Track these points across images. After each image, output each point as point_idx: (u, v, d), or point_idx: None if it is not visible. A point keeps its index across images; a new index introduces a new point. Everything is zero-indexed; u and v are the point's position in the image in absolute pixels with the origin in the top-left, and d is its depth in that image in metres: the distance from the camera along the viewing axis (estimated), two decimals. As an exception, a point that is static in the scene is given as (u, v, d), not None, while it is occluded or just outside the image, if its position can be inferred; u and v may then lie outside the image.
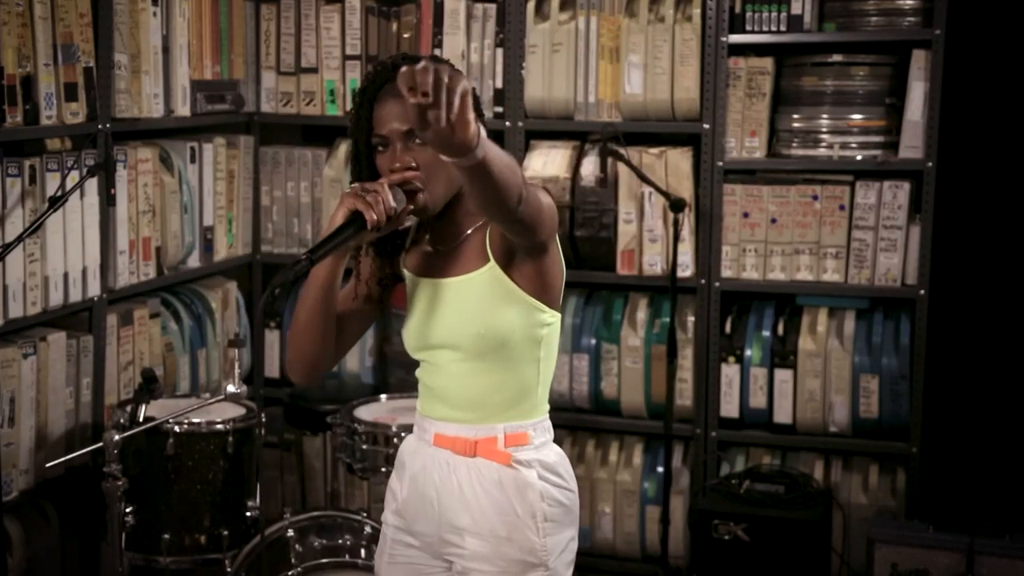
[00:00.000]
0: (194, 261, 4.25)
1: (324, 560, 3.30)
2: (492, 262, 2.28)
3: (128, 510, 3.28)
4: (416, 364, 2.44)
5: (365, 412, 3.67)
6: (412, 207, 2.24)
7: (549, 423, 2.41)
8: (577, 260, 4.33)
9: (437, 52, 4.35)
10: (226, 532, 3.41)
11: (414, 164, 2.22)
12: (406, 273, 2.43)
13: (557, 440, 4.71)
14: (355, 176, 2.32)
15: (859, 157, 4.10)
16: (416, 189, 2.23)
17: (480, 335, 2.27)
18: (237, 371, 3.05)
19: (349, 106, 4.41)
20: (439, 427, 2.35)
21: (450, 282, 2.31)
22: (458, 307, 2.29)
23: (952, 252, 4.12)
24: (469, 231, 2.34)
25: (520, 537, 2.28)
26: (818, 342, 4.14)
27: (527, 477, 2.30)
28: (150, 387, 3.38)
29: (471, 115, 1.83)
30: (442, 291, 2.32)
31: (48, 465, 3.23)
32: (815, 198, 4.14)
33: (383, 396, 3.87)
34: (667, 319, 4.14)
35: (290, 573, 3.17)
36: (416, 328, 2.36)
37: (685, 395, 4.25)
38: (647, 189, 4.13)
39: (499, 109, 4.36)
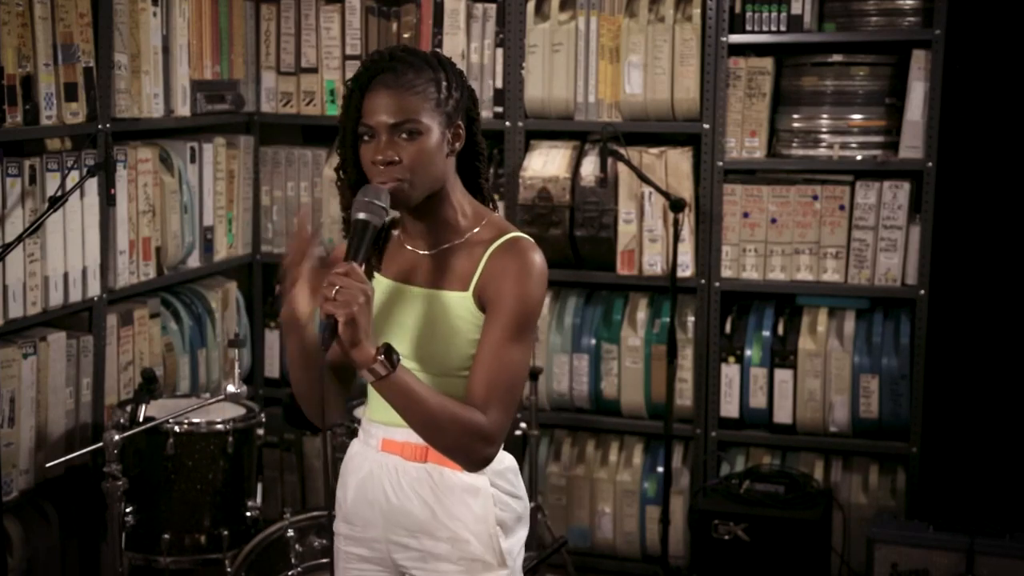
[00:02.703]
0: (194, 261, 4.24)
1: (324, 560, 3.29)
2: (470, 295, 2.21)
3: (128, 510, 3.28)
4: None
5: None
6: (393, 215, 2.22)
7: None
8: (577, 260, 4.33)
9: (437, 52, 4.34)
10: (226, 532, 3.41)
11: (396, 158, 2.17)
12: (377, 275, 2.33)
13: (557, 440, 4.72)
14: (341, 164, 2.29)
15: (859, 157, 4.10)
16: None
17: (444, 353, 2.21)
18: (237, 371, 3.05)
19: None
20: (387, 432, 2.27)
21: (422, 293, 2.24)
22: (427, 321, 2.22)
23: (952, 252, 4.12)
24: (454, 242, 2.26)
25: (479, 538, 2.24)
26: (818, 342, 4.14)
27: (477, 483, 2.24)
28: (150, 387, 3.38)
29: (359, 338, 2.01)
30: (411, 299, 2.25)
31: (48, 465, 3.23)
32: (815, 198, 4.14)
33: (383, 396, 3.86)
34: (667, 319, 4.14)
35: (290, 573, 3.17)
36: (375, 331, 2.21)
37: (685, 395, 4.25)
38: (647, 189, 4.13)
39: (499, 109, 4.36)
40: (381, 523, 2.29)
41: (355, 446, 2.39)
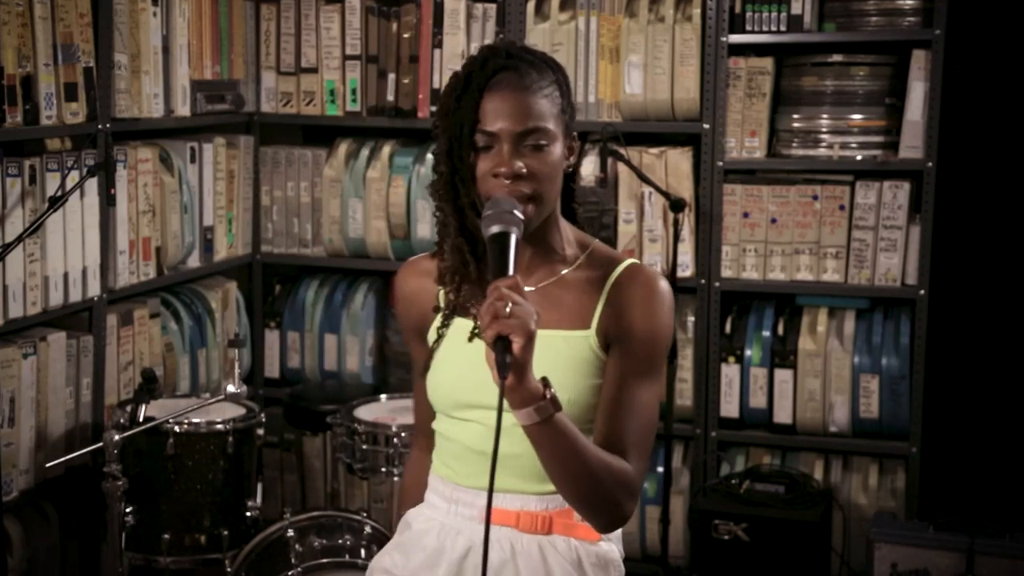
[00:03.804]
0: (194, 261, 4.24)
1: (324, 560, 3.29)
2: (593, 332, 1.96)
3: (128, 510, 3.28)
4: None
5: (365, 412, 3.67)
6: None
7: None
8: (577, 260, 4.32)
9: (437, 52, 4.35)
10: (226, 532, 3.41)
11: (524, 170, 1.88)
12: (460, 319, 2.00)
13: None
14: (447, 180, 1.94)
15: (859, 157, 4.10)
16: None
17: (570, 401, 1.88)
18: (237, 371, 3.05)
19: (349, 106, 4.45)
20: (497, 500, 1.90)
21: (539, 333, 1.80)
22: (545, 367, 1.82)
23: (952, 252, 4.12)
24: (562, 273, 1.99)
25: None
26: (818, 342, 4.14)
27: (609, 553, 1.98)
28: (150, 387, 3.38)
29: (530, 367, 1.71)
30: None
31: (48, 465, 3.23)
32: (815, 198, 4.14)
33: (383, 396, 3.87)
34: (667, 319, 4.14)
35: (290, 573, 3.16)
36: (473, 380, 1.90)
37: (685, 395, 4.25)
38: (647, 189, 4.13)
39: (499, 109, 4.35)
40: None
41: (434, 516, 2.04)
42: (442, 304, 2.03)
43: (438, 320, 2.04)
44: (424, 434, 2.15)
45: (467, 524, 1.98)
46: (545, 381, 1.77)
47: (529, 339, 1.69)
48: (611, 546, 2.00)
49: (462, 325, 1.99)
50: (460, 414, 1.99)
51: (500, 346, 1.68)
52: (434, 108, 4.39)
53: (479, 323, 1.73)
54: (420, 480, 2.13)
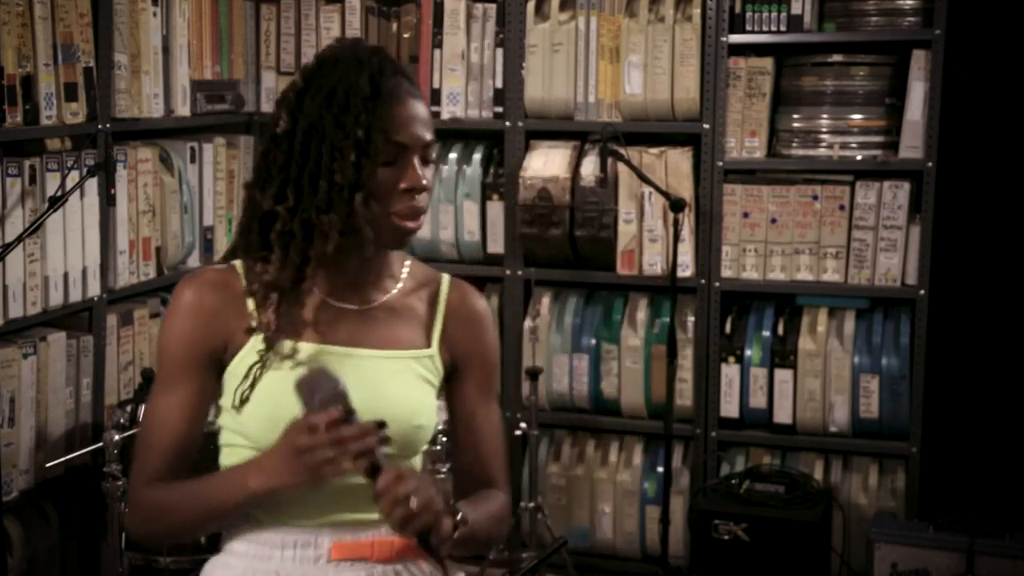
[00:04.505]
0: (194, 261, 4.24)
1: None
2: (436, 351, 1.86)
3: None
4: None
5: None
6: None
7: None
8: (577, 260, 4.33)
9: (437, 52, 4.35)
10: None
11: (430, 187, 1.80)
12: (289, 341, 1.77)
13: (557, 440, 4.72)
14: (341, 192, 1.72)
15: (859, 157, 4.10)
16: None
17: (422, 427, 1.83)
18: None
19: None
20: (340, 535, 1.78)
21: (374, 356, 1.78)
22: (386, 392, 1.78)
23: (952, 252, 4.12)
24: (391, 291, 1.86)
25: None
26: (818, 342, 4.14)
27: (455, 574, 1.85)
28: (150, 387, 3.37)
29: (443, 528, 1.65)
30: (359, 367, 1.77)
31: (48, 465, 3.24)
32: (815, 198, 4.14)
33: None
34: (667, 319, 4.14)
35: (290, 573, 3.16)
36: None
37: (685, 395, 4.25)
38: (647, 189, 4.13)
39: (499, 109, 4.35)
40: None
41: (237, 569, 1.80)
42: (255, 324, 1.78)
43: (257, 343, 1.78)
44: (176, 458, 1.81)
45: (313, 569, 1.77)
46: (454, 510, 1.71)
47: (438, 516, 1.64)
48: (458, 566, 1.90)
49: (281, 349, 1.77)
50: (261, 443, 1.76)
51: (423, 540, 1.64)
52: (432, 111, 4.39)
53: (381, 510, 1.64)
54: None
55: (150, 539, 1.81)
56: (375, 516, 1.71)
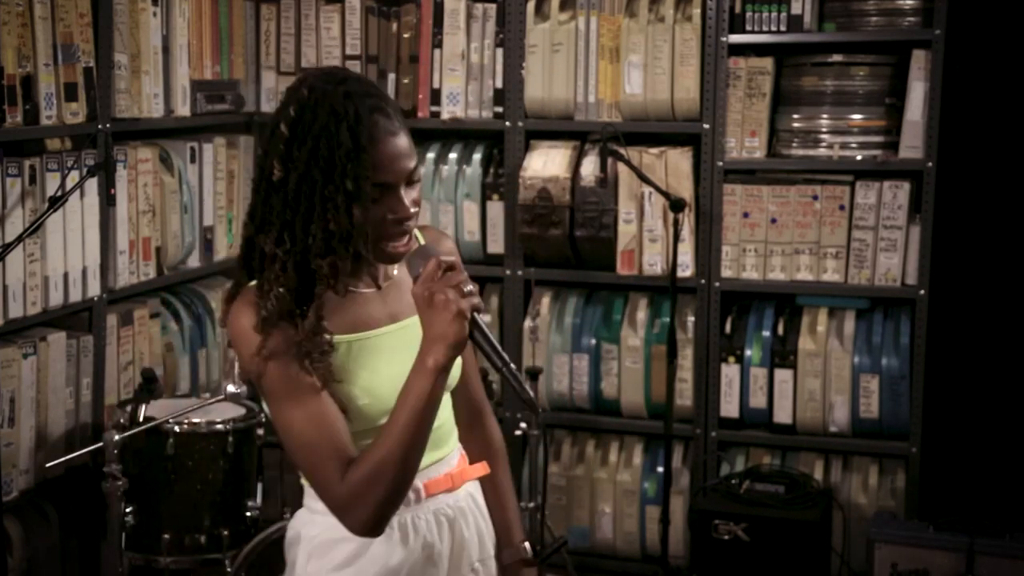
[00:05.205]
0: (194, 261, 4.25)
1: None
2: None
3: (128, 510, 3.28)
4: None
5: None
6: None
7: None
8: (577, 260, 4.33)
9: (437, 52, 4.35)
10: (226, 532, 3.41)
11: (416, 207, 1.89)
12: (348, 336, 1.92)
13: (557, 440, 4.72)
14: (338, 235, 1.82)
15: (859, 157, 4.10)
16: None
17: (454, 377, 2.02)
18: (237, 371, 3.05)
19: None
20: (427, 474, 2.00)
21: (414, 323, 1.88)
22: None
23: (952, 252, 4.12)
24: (396, 269, 2.01)
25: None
26: (818, 342, 4.14)
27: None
28: (150, 387, 3.38)
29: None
30: (411, 332, 1.89)
31: (48, 465, 3.24)
32: (815, 198, 4.14)
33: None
34: (667, 319, 4.14)
35: (290, 573, 3.16)
36: (400, 380, 1.85)
37: (685, 395, 4.25)
38: (647, 189, 4.13)
39: (499, 109, 4.35)
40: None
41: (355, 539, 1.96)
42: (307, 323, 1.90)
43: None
44: (348, 443, 1.91)
45: (412, 509, 1.98)
46: (523, 550, 2.17)
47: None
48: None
49: (357, 341, 1.94)
50: (383, 420, 1.89)
51: (474, 318, 1.79)
52: (432, 111, 4.39)
53: (426, 293, 1.78)
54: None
55: (378, 517, 1.85)
56: (446, 452, 2.03)
